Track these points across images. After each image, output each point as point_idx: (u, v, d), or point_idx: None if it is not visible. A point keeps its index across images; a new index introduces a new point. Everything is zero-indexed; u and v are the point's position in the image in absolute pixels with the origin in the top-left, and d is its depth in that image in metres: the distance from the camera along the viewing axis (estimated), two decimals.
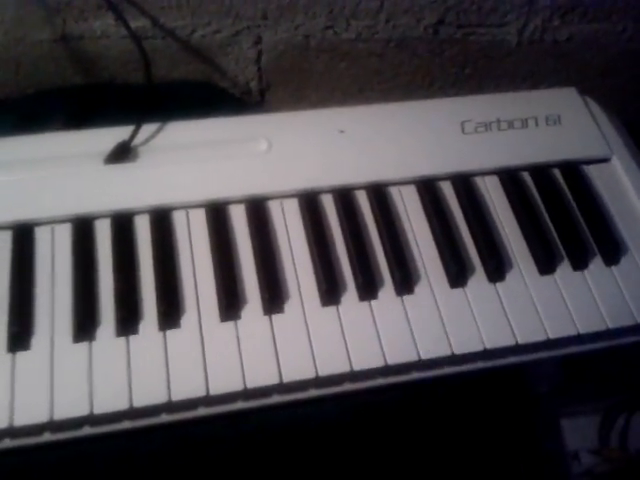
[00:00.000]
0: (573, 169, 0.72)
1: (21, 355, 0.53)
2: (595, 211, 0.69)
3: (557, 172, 0.72)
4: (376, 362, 0.57)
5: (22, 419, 0.51)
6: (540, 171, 0.71)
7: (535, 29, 0.82)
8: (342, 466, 0.60)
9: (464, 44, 0.81)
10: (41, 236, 0.59)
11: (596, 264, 0.65)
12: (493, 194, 0.69)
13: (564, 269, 0.65)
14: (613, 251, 0.66)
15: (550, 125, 0.73)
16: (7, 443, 0.52)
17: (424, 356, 0.58)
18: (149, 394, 0.53)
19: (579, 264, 0.65)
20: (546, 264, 0.64)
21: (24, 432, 0.52)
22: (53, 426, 0.52)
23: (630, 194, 0.71)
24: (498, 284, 0.63)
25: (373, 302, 0.60)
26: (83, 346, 0.54)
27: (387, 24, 0.77)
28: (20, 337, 0.54)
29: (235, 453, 0.58)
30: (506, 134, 0.72)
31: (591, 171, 0.72)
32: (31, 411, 0.51)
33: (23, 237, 0.59)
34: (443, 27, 0.79)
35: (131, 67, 0.74)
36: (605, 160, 0.73)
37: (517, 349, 0.60)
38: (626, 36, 0.86)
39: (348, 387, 0.59)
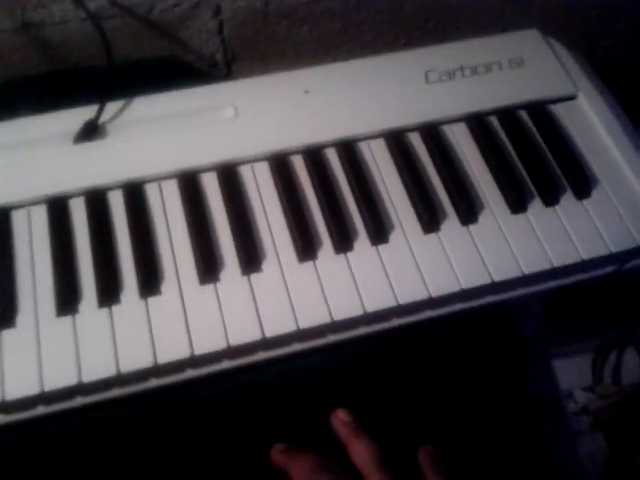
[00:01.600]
0: (539, 109, 0.72)
1: (7, 332, 0.55)
2: (563, 148, 0.70)
3: (524, 114, 0.72)
4: (356, 311, 0.58)
5: (14, 393, 0.52)
6: (507, 114, 0.71)
7: None
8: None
9: None
10: (18, 218, 0.60)
11: (567, 199, 0.66)
12: (461, 140, 0.70)
13: (536, 206, 0.65)
14: (583, 185, 0.67)
15: (514, 68, 0.74)
16: (1, 419, 0.54)
17: (402, 301, 0.59)
18: (135, 359, 0.54)
19: (550, 200, 0.66)
20: (517, 203, 0.65)
21: (17, 406, 0.54)
22: (45, 398, 0.53)
23: (598, 129, 0.71)
24: (471, 226, 0.64)
25: (349, 254, 0.61)
26: (67, 320, 0.56)
27: None
28: (4, 315, 0.55)
29: (226, 414, 0.60)
30: (470, 80, 0.72)
31: (558, 110, 0.73)
32: (22, 385, 0.52)
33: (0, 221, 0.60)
34: None
35: (94, 49, 0.74)
36: (571, 98, 0.73)
37: (494, 287, 0.61)
38: None
39: (331, 338, 0.60)
